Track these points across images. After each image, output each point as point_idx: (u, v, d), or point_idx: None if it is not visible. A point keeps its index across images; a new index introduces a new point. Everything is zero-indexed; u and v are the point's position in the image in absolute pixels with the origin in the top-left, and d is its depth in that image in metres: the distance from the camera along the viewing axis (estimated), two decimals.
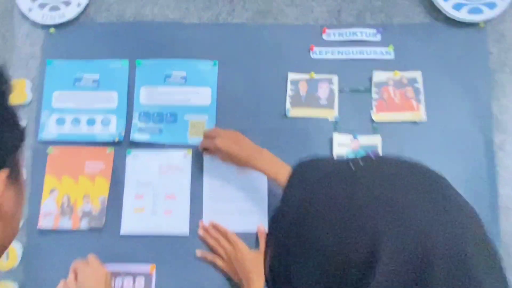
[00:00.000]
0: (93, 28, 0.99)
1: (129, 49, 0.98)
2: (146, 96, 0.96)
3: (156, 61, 0.97)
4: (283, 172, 0.80)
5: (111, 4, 1.00)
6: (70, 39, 0.99)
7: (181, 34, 0.98)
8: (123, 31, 0.99)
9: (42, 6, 0.99)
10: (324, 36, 0.98)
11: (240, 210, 0.91)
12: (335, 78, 0.96)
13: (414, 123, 0.94)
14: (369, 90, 0.95)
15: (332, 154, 0.92)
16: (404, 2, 1.00)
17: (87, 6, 1.00)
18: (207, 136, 0.88)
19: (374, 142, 0.93)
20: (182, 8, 1.00)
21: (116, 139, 0.94)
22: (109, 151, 0.94)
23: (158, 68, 0.97)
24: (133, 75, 0.97)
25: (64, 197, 0.92)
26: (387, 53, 0.97)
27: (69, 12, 0.98)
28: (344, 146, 0.93)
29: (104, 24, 0.99)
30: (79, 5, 0.98)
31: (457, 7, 0.97)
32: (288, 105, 0.95)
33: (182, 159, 0.94)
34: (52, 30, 0.99)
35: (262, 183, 0.91)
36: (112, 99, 0.96)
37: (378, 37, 0.98)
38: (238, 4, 1.00)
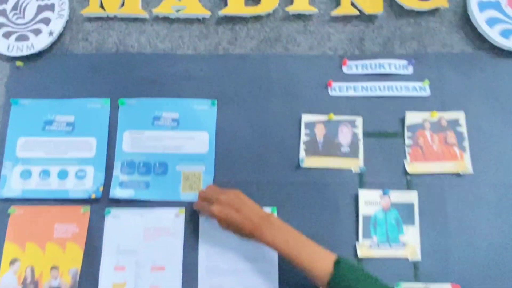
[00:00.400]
0: (68, 60, 0.88)
1: (111, 86, 0.86)
2: (130, 142, 0.83)
3: (143, 100, 0.85)
4: (299, 249, 0.65)
5: (90, 32, 0.89)
6: (41, 74, 0.87)
7: (173, 68, 0.87)
8: (104, 65, 0.87)
9: (7, 35, 0.88)
10: (345, 69, 0.86)
11: (244, 285, 0.77)
12: (359, 120, 0.83)
13: (457, 175, 0.81)
14: (401, 135, 0.82)
15: (357, 214, 0.78)
16: (440, 28, 0.88)
17: (61, 35, 0.89)
18: (202, 198, 0.74)
19: (408, 199, 0.79)
20: (175, 37, 0.89)
21: (93, 196, 0.81)
22: (84, 210, 0.80)
23: (145, 108, 0.85)
24: (115, 117, 0.85)
25: (27, 269, 0.78)
26: (421, 89, 0.84)
27: (39, 42, 0.87)
28: (372, 204, 0.79)
29: (81, 56, 0.88)
30: (51, 33, 0.87)
31: (505, 34, 0.85)
32: (302, 153, 0.81)
33: (173, 220, 0.80)
34: (19, 63, 0.87)
35: (271, 251, 0.77)
36: (89, 146, 0.83)
37: (409, 70, 0.85)
38: (240, 31, 0.89)
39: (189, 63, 0.87)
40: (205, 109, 0.85)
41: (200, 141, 0.83)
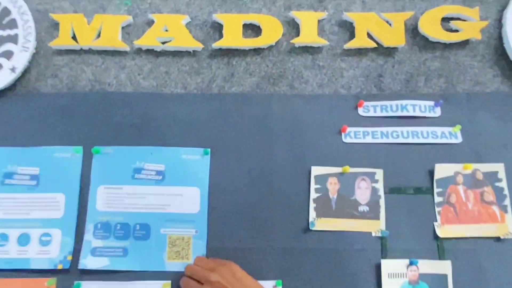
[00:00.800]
0: (33, 101, 0.77)
1: (84, 131, 0.76)
2: (105, 199, 0.73)
3: (122, 149, 0.75)
4: None
5: (60, 67, 0.79)
6: (0, 117, 0.76)
7: (158, 109, 0.77)
8: (76, 106, 0.77)
9: None
10: (361, 111, 0.76)
11: None
12: (379, 173, 0.73)
13: (497, 239, 0.70)
14: (429, 191, 0.72)
15: None
16: (471, 63, 0.79)
17: (26, 71, 0.78)
18: (191, 276, 0.63)
19: (441, 269, 0.68)
20: (161, 73, 0.79)
21: (60, 266, 0.70)
22: (49, 283, 0.69)
23: (125, 158, 0.75)
24: (88, 168, 0.74)
25: None
26: (451, 135, 0.74)
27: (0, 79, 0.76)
28: (397, 277, 0.68)
29: (49, 96, 0.77)
30: (13, 69, 0.76)
31: None
32: (312, 213, 0.71)
33: None
34: None
35: None
36: (56, 204, 0.72)
37: (437, 112, 0.76)
38: (238, 66, 0.79)
39: (178, 104, 0.77)
40: (196, 159, 0.75)
41: (190, 199, 0.73)
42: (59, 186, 0.74)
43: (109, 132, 0.76)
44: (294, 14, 0.80)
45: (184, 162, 0.75)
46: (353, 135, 0.76)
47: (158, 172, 0.74)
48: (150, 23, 0.80)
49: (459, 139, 0.75)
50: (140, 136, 0.75)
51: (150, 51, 0.80)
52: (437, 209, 0.72)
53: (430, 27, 0.79)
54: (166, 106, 0.77)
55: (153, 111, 0.77)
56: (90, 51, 0.80)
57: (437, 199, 0.72)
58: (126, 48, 0.80)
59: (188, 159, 0.75)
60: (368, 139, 0.75)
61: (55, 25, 0.80)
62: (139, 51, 0.80)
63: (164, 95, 0.78)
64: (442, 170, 0.73)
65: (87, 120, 0.76)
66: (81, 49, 0.80)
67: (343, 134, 0.76)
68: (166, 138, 0.75)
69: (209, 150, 0.75)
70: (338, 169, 0.74)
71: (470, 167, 0.73)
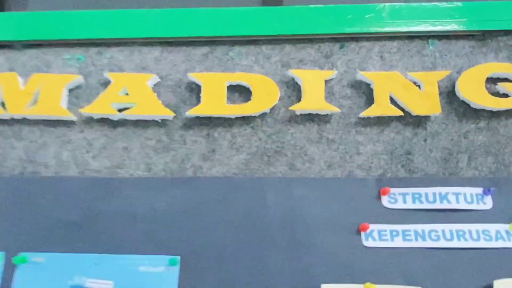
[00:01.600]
0: None
1: (7, 232, 0.61)
2: None
3: (56, 256, 0.60)
4: None
5: None
6: None
7: (110, 200, 0.61)
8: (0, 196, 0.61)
9: None
10: (386, 201, 0.62)
11: None
12: None
13: None
14: None
15: None
16: None
17: None
18: None
19: None
20: (117, 149, 0.64)
21: None
22: None
23: (59, 271, 0.59)
24: (7, 285, 0.56)
25: None
26: (510, 236, 0.56)
27: None
28: None
29: None
30: None
31: None
32: None
33: None
34: None
35: None
36: None
37: (488, 204, 0.61)
38: (221, 139, 0.65)
39: (137, 192, 0.62)
40: (159, 272, 0.58)
41: None
42: None
43: (41, 233, 0.62)
44: (294, 73, 0.67)
45: (142, 277, 0.59)
46: (376, 235, 0.60)
47: None
48: (107, 83, 0.65)
49: None
50: (83, 238, 0.60)
51: (104, 121, 0.66)
52: None
53: (472, 91, 0.65)
54: (122, 195, 0.61)
55: (102, 203, 0.61)
56: (23, 121, 0.66)
57: None
58: (72, 117, 0.65)
59: (148, 272, 0.59)
60: (398, 242, 0.59)
61: None
62: (89, 120, 0.65)
63: (120, 180, 0.63)
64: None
65: (13, 216, 0.62)
66: (12, 119, 0.66)
67: (363, 234, 0.61)
68: (118, 241, 0.60)
69: (178, 258, 0.61)
70: (358, 287, 0.56)
71: None
